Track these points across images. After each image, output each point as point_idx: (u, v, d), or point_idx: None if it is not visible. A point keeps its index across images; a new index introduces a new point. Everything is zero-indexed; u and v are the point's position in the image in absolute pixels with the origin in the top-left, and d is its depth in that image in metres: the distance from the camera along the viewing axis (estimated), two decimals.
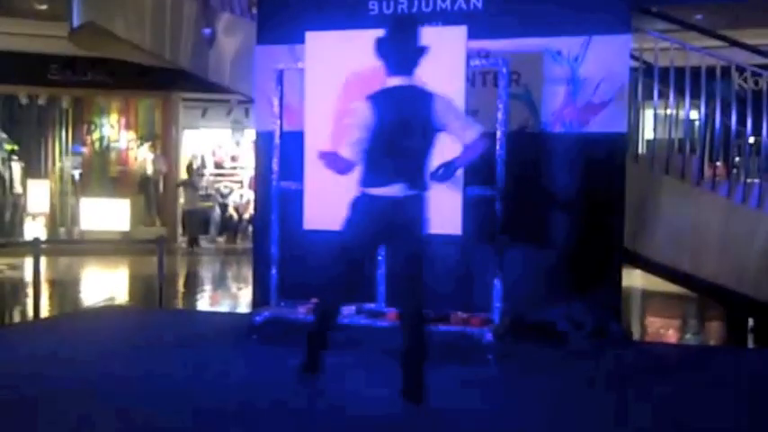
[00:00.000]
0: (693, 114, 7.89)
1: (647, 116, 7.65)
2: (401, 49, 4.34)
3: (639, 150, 7.62)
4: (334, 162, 4.24)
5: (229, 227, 17.25)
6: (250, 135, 15.68)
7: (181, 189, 16.34)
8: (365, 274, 4.89)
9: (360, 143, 4.22)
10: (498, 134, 5.46)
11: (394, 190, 4.23)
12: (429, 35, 5.56)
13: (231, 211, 17.33)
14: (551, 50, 6.27)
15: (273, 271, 6.06)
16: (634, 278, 9.93)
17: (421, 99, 4.29)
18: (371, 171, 4.27)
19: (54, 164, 16.43)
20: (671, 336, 7.62)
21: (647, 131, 7.99)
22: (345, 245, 4.38)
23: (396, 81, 4.33)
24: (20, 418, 3.99)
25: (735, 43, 7.67)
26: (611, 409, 4.43)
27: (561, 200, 6.31)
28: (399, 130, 4.22)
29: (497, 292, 5.49)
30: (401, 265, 4.36)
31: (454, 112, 4.36)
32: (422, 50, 4.37)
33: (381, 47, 4.37)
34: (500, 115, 5.46)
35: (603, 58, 6.18)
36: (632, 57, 6.64)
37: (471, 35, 5.52)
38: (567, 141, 6.28)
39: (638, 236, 6.89)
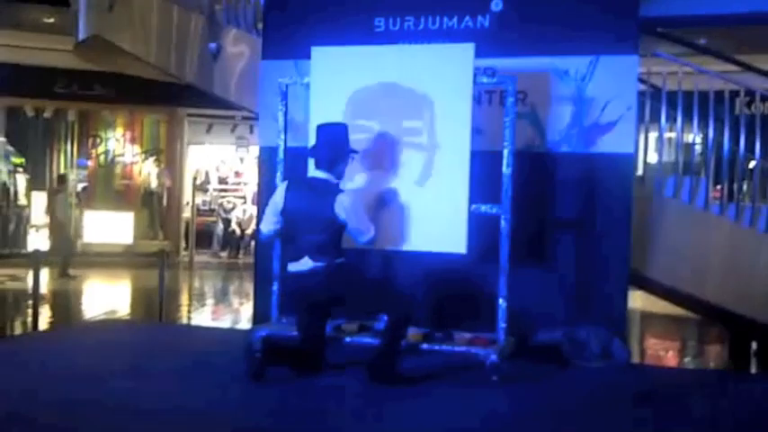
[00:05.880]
0: (700, 138, 7.84)
1: (654, 138, 7.61)
2: (323, 148, 5.12)
3: (647, 172, 7.56)
4: None
5: (232, 242, 17.23)
6: (254, 151, 15.70)
7: (55, 197, 14.19)
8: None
9: (273, 223, 5.21)
10: (505, 153, 5.41)
11: (300, 265, 5.05)
12: (436, 52, 5.64)
13: (234, 226, 17.31)
14: (558, 69, 6.24)
15: (275, 286, 5.99)
16: (640, 300, 9.86)
17: (326, 194, 4.98)
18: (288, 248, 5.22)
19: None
20: (674, 359, 7.54)
21: (655, 154, 7.95)
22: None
23: (315, 173, 5.15)
24: None
25: (747, 67, 7.65)
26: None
27: (567, 220, 6.26)
28: (304, 216, 5.03)
29: (502, 312, 5.42)
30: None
31: (354, 216, 4.99)
32: (343, 153, 5.14)
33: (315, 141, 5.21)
34: (506, 134, 5.41)
35: (611, 78, 6.13)
36: (640, 80, 6.60)
37: (478, 53, 5.48)
38: (573, 161, 6.23)
39: (644, 258, 6.83)
